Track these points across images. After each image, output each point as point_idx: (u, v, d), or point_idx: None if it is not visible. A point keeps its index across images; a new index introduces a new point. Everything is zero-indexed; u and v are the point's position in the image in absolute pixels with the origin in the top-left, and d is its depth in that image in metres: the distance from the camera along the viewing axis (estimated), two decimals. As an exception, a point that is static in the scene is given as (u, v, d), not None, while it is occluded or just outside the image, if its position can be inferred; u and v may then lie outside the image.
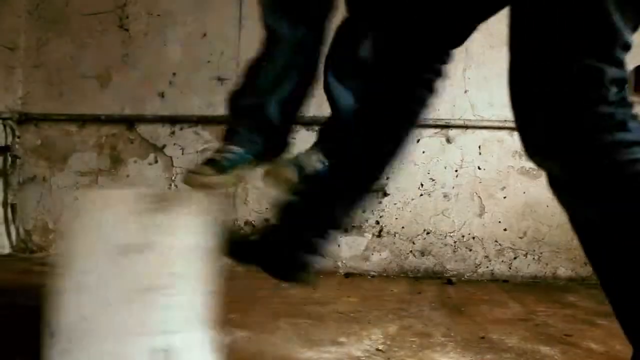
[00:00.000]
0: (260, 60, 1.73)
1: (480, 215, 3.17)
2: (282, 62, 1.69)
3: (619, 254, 1.06)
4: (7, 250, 3.46)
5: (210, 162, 1.58)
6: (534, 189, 3.14)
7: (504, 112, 3.15)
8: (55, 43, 3.55)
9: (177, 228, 1.30)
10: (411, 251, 3.20)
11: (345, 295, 2.57)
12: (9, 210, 3.47)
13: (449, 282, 2.98)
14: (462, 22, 1.30)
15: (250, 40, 3.34)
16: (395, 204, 3.21)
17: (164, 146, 3.41)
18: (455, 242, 3.17)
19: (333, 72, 1.59)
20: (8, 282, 2.63)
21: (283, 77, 1.70)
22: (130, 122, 3.46)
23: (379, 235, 3.21)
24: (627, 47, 1.02)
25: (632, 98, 3.12)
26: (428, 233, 3.19)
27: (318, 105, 3.28)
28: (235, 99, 1.75)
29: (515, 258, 3.14)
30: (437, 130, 3.20)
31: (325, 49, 1.73)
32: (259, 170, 1.76)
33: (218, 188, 1.60)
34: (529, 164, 3.12)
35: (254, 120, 1.70)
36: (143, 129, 3.44)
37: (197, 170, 1.56)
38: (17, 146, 3.50)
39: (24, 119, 3.52)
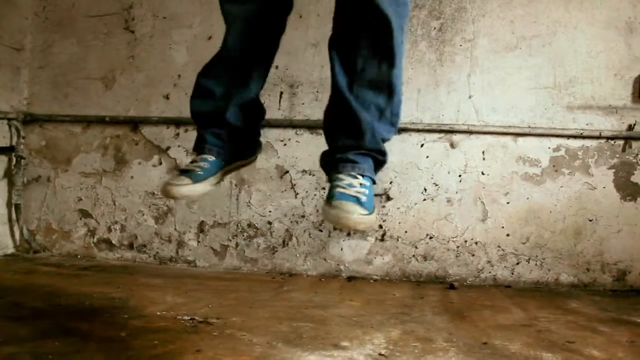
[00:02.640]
0: (212, 62, 1.83)
1: (484, 220, 3.17)
2: (235, 57, 1.78)
3: None
4: (11, 250, 3.47)
5: (185, 173, 1.66)
6: (537, 195, 3.14)
7: (508, 117, 3.18)
8: (61, 44, 3.56)
9: None
10: (414, 255, 3.20)
11: (348, 299, 2.57)
12: (13, 210, 3.48)
13: (452, 286, 2.97)
14: None
15: (255, 43, 3.35)
16: (398, 208, 3.21)
17: (168, 148, 3.42)
18: (458, 247, 3.17)
19: (347, 84, 1.57)
20: (12, 282, 2.65)
21: (237, 76, 1.76)
22: (134, 123, 3.47)
23: (382, 239, 3.22)
24: None
25: (637, 105, 3.14)
26: (431, 238, 3.19)
27: (321, 110, 3.29)
28: (194, 106, 1.80)
29: (517, 264, 3.14)
30: (441, 135, 3.20)
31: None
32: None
33: (195, 196, 1.69)
34: (533, 170, 3.13)
35: (216, 127, 1.75)
36: (147, 131, 3.45)
37: (173, 182, 1.63)
38: (21, 147, 3.51)
39: (29, 120, 3.53)
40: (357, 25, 1.51)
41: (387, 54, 1.51)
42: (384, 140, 1.62)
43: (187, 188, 1.63)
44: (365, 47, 1.52)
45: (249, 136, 1.87)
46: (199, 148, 1.76)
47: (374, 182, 1.59)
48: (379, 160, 1.63)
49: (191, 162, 1.73)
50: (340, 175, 1.54)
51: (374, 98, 1.55)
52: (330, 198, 1.49)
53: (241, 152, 1.85)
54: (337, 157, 1.60)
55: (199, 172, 1.68)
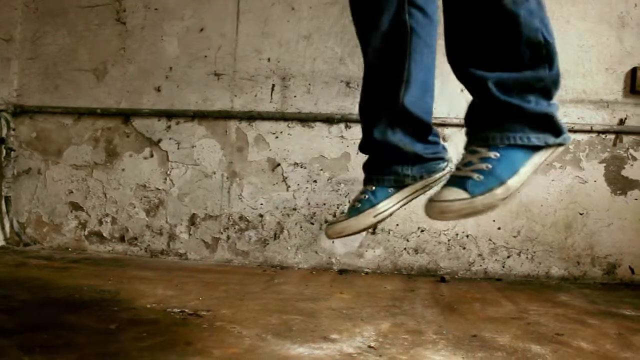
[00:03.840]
0: (364, 93, 1.61)
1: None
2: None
3: None
4: (0, 242, 3.46)
5: (348, 210, 1.56)
6: (528, 189, 3.15)
7: (500, 111, 3.16)
8: (52, 36, 3.54)
9: None
10: (405, 249, 3.20)
11: (338, 291, 2.57)
12: (3, 202, 3.47)
13: (442, 280, 2.98)
14: None
15: (247, 35, 3.35)
16: (390, 201, 3.21)
17: (159, 140, 3.41)
18: (449, 240, 3.18)
19: (457, 46, 1.35)
20: (1, 274, 2.64)
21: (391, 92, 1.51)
22: (126, 115, 3.45)
23: (374, 233, 3.22)
24: None
25: (628, 99, 3.15)
26: (422, 231, 3.20)
27: (313, 103, 3.30)
28: (362, 141, 1.62)
29: (508, 257, 3.15)
30: (433, 128, 3.20)
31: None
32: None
33: (352, 233, 1.55)
34: (524, 164, 3.13)
35: (375, 151, 1.60)
36: (139, 123, 3.44)
37: (334, 220, 1.56)
38: (12, 139, 3.49)
39: (19, 112, 3.51)
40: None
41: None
42: (537, 86, 1.28)
43: (341, 225, 1.52)
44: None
45: (413, 154, 1.58)
46: (364, 180, 1.61)
47: (528, 148, 1.29)
48: (529, 117, 1.28)
49: (356, 198, 1.59)
50: (463, 154, 1.34)
51: (490, 43, 1.28)
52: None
53: (410, 173, 1.58)
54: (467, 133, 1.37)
55: (357, 206, 1.54)
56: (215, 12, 3.38)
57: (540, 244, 3.14)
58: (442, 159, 1.63)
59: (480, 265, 3.16)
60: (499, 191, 1.24)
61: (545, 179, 3.14)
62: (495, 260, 3.15)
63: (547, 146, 1.28)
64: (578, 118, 3.13)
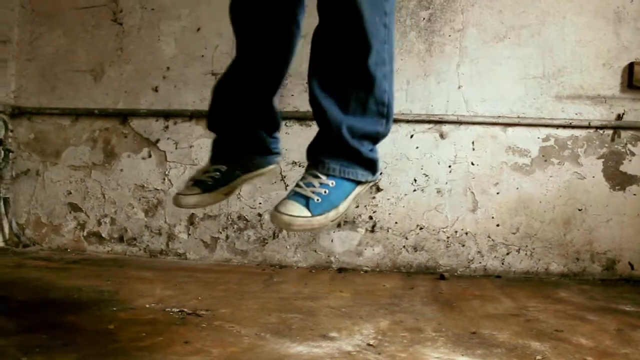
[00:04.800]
0: (226, 74, 1.76)
1: (474, 210, 3.17)
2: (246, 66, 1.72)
3: None
4: (0, 244, 3.45)
5: (196, 183, 1.68)
6: (527, 185, 3.15)
7: (497, 107, 3.18)
8: (49, 37, 3.54)
9: None
10: (404, 246, 3.20)
11: (338, 290, 2.57)
12: (2, 204, 3.46)
13: (442, 277, 2.98)
14: None
15: (244, 34, 3.33)
16: (388, 199, 3.21)
17: (157, 140, 3.41)
18: (448, 237, 3.18)
19: (317, 81, 1.51)
20: (1, 275, 2.63)
21: (248, 85, 1.70)
22: (123, 116, 3.45)
23: (372, 231, 3.22)
24: None
25: (626, 94, 3.16)
26: (421, 228, 3.20)
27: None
28: (209, 117, 1.79)
29: (507, 254, 3.15)
30: (431, 125, 3.20)
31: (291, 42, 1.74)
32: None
33: (205, 205, 1.71)
34: (523, 160, 3.14)
35: (228, 137, 1.75)
36: (137, 123, 3.44)
37: (185, 192, 1.65)
38: (10, 140, 3.49)
39: (17, 113, 3.51)
40: (327, 14, 1.53)
41: (359, 41, 1.43)
42: (373, 136, 1.52)
43: (196, 198, 1.65)
44: (334, 36, 1.50)
45: (264, 145, 1.81)
46: (212, 158, 1.76)
47: (354, 182, 1.52)
48: (361, 159, 1.52)
49: (204, 173, 1.72)
50: (304, 174, 1.52)
51: (348, 91, 1.47)
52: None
53: (257, 161, 1.81)
54: (309, 157, 1.57)
55: (209, 182, 1.68)
56: (212, 12, 3.38)
57: (539, 240, 3.14)
58: (279, 154, 1.88)
59: (480, 263, 3.16)
60: (332, 214, 1.47)
61: (544, 175, 3.14)
62: (495, 257, 3.15)
63: (367, 182, 1.57)
64: (576, 114, 3.13)
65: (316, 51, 1.55)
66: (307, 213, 1.42)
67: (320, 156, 1.51)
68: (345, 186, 1.51)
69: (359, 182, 1.54)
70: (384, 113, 1.51)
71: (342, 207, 1.50)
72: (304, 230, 1.47)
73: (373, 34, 1.42)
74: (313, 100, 1.50)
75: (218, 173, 1.70)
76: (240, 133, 1.73)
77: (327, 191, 1.47)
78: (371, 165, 1.55)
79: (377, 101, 1.48)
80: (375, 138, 1.53)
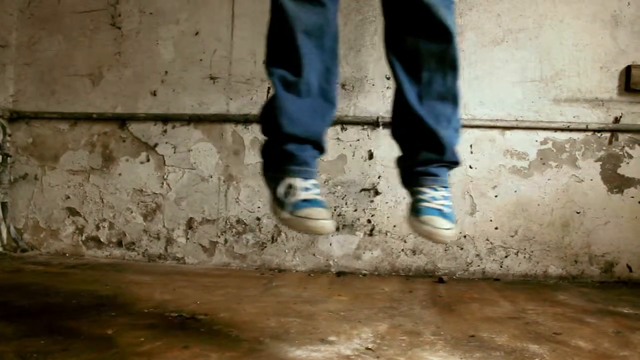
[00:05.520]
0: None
1: (472, 214, 3.18)
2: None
3: None
4: (-2, 249, 3.46)
5: (315, 203, 1.51)
6: (525, 188, 3.15)
7: (495, 111, 3.18)
8: (47, 41, 3.54)
9: None
10: (403, 250, 3.20)
11: (336, 294, 2.57)
12: (0, 209, 3.46)
13: (440, 280, 2.98)
14: None
15: (242, 38, 3.35)
16: (387, 202, 3.22)
17: (155, 145, 3.41)
18: (446, 240, 3.18)
19: (416, 95, 1.57)
20: (-1, 281, 2.63)
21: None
22: (122, 120, 3.45)
23: (371, 234, 3.22)
24: None
25: (623, 97, 3.17)
26: (420, 232, 3.19)
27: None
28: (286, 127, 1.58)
29: (506, 257, 3.15)
30: (429, 129, 3.20)
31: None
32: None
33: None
34: (521, 163, 3.14)
35: (315, 148, 1.62)
36: (135, 128, 3.44)
37: (314, 216, 1.48)
38: (8, 144, 3.49)
39: (16, 117, 3.51)
40: (417, 34, 1.54)
41: (453, 64, 1.55)
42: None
43: (331, 221, 1.51)
44: (431, 58, 1.54)
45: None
46: (306, 172, 1.57)
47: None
48: (453, 168, 1.66)
49: (305, 190, 1.53)
50: (423, 189, 1.58)
51: (443, 109, 1.58)
52: (417, 212, 1.56)
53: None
54: (417, 170, 1.62)
55: (320, 199, 1.54)
56: (210, 16, 3.39)
57: (537, 243, 3.14)
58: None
59: (478, 266, 3.16)
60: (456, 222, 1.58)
61: (542, 178, 3.14)
62: (493, 260, 3.16)
63: None
64: (573, 117, 3.14)
65: (406, 69, 1.59)
66: (451, 225, 1.53)
67: (432, 169, 1.60)
68: (450, 197, 1.62)
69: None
70: (459, 128, 1.66)
71: None
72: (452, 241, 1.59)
73: (458, 53, 1.55)
74: (416, 118, 1.57)
75: (318, 189, 1.58)
76: (318, 140, 1.63)
77: (449, 203, 1.58)
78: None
79: (457, 119, 1.64)
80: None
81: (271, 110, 1.58)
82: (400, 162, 1.71)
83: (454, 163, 1.63)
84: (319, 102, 1.58)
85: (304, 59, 1.53)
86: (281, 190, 1.54)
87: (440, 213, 1.52)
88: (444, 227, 1.50)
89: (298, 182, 1.53)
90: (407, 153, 1.67)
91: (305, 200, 1.50)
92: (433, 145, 1.58)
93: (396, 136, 1.71)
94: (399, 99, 1.61)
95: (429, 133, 1.57)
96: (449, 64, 1.54)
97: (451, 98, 1.58)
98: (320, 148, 1.63)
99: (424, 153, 1.60)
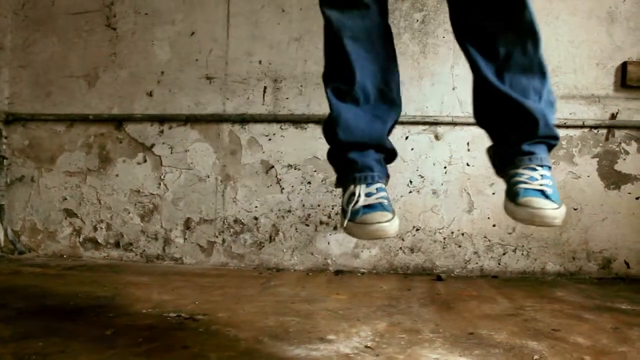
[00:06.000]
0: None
1: (470, 211, 3.18)
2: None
3: None
4: (-5, 251, 3.45)
5: (375, 208, 1.47)
6: (522, 185, 3.15)
7: (492, 108, 3.17)
8: (42, 43, 3.53)
9: None
10: (401, 248, 3.20)
11: (335, 292, 2.57)
12: (-3, 211, 3.46)
13: (439, 278, 2.99)
14: None
15: (238, 38, 3.34)
16: (384, 201, 3.21)
17: (152, 145, 3.40)
18: (444, 238, 3.18)
19: (494, 70, 1.48)
20: (-4, 283, 2.63)
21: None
22: (118, 121, 3.44)
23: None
24: None
25: (619, 93, 3.17)
26: (417, 230, 3.20)
27: (306, 105, 3.30)
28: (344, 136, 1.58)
29: (504, 254, 3.15)
30: (426, 127, 3.21)
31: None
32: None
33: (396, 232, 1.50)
34: (517, 160, 3.14)
35: (378, 152, 1.60)
36: (132, 128, 3.43)
37: (370, 220, 1.44)
38: (4, 147, 3.48)
39: (11, 119, 3.50)
40: (484, 5, 1.44)
41: (530, 31, 1.43)
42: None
43: (396, 223, 1.46)
44: (506, 28, 1.43)
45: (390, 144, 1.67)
46: (368, 177, 1.54)
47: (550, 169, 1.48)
48: (552, 145, 1.51)
49: (367, 195, 1.48)
50: (519, 170, 1.46)
51: (529, 82, 1.46)
52: (514, 196, 1.42)
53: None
54: (510, 152, 1.50)
55: (386, 204, 1.49)
56: (206, 16, 3.38)
57: (535, 240, 3.14)
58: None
59: (476, 263, 3.16)
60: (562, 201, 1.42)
61: (539, 175, 3.14)
62: (491, 257, 3.16)
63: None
64: (570, 113, 3.14)
65: (481, 49, 1.49)
66: (555, 205, 1.37)
67: (526, 148, 1.47)
68: (552, 176, 1.47)
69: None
70: (554, 101, 1.53)
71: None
72: (561, 223, 1.40)
73: (536, 18, 1.41)
74: (500, 96, 1.46)
75: (385, 192, 1.53)
76: (386, 146, 1.62)
77: (551, 182, 1.43)
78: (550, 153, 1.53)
79: (549, 90, 1.49)
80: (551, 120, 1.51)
81: (329, 123, 1.56)
82: (492, 151, 1.61)
83: (551, 138, 1.49)
84: (378, 106, 1.55)
85: (355, 65, 1.50)
86: (345, 199, 1.52)
87: (542, 194, 1.39)
88: (547, 208, 1.36)
89: (360, 189, 1.49)
90: (498, 137, 1.57)
91: (366, 206, 1.46)
92: (523, 120, 1.46)
93: (483, 124, 1.61)
94: (478, 81, 1.52)
95: (516, 107, 1.45)
96: (526, 32, 1.43)
97: (537, 69, 1.46)
98: (384, 150, 1.59)
99: (514, 132, 1.48)
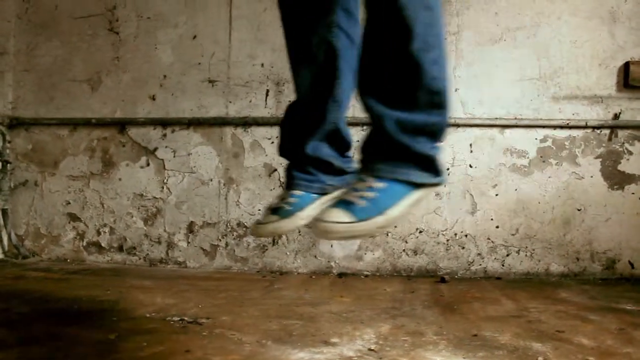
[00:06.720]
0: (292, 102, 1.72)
1: (473, 213, 3.17)
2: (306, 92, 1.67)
3: None
4: (-1, 255, 3.45)
5: (274, 211, 1.58)
6: (525, 186, 3.15)
7: (494, 110, 3.18)
8: (45, 47, 3.54)
9: None
10: (404, 250, 3.20)
11: (338, 295, 2.57)
12: (1, 215, 3.46)
13: (442, 280, 2.98)
14: None
15: (240, 41, 3.35)
16: (387, 203, 3.21)
17: (155, 149, 3.41)
18: (448, 240, 3.18)
19: (362, 80, 1.43)
20: (0, 287, 2.63)
21: (312, 109, 1.64)
22: (121, 125, 3.45)
23: (372, 235, 3.21)
24: None
25: (622, 93, 3.17)
26: (421, 232, 3.20)
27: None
28: (280, 144, 1.74)
29: (507, 255, 3.15)
30: (428, 128, 3.20)
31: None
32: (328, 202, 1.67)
33: (286, 232, 1.63)
34: (521, 161, 3.14)
35: (300, 162, 1.67)
36: (134, 132, 3.44)
37: (263, 221, 1.58)
38: (8, 151, 3.49)
39: (15, 124, 3.51)
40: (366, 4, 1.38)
41: (398, 27, 1.29)
42: (428, 129, 1.35)
43: (274, 225, 1.56)
44: (374, 27, 1.35)
45: (337, 166, 1.68)
46: (287, 184, 1.68)
47: (409, 184, 1.34)
48: (414, 157, 1.35)
49: (281, 199, 1.62)
50: (352, 180, 1.43)
51: (393, 83, 1.35)
52: None
53: (332, 182, 1.68)
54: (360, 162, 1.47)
55: (287, 208, 1.59)
56: (208, 20, 3.39)
57: (539, 241, 3.14)
58: (353, 172, 1.71)
59: (480, 265, 3.16)
60: (380, 220, 1.30)
61: (542, 176, 3.14)
62: (495, 259, 3.15)
63: (426, 184, 1.36)
64: (573, 114, 3.14)
65: (361, 49, 1.42)
66: (349, 218, 1.28)
67: (369, 157, 1.40)
68: (397, 189, 1.33)
69: (415, 185, 1.34)
70: (437, 102, 1.33)
71: (394, 212, 1.32)
72: (346, 238, 1.33)
73: (413, 18, 1.28)
74: (361, 100, 1.40)
75: (295, 198, 1.61)
76: (310, 156, 1.65)
77: (375, 194, 1.31)
78: (429, 165, 1.36)
79: (427, 90, 1.32)
80: (432, 132, 1.35)
81: None
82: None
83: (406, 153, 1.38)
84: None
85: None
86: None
87: (346, 206, 1.33)
88: (331, 220, 1.30)
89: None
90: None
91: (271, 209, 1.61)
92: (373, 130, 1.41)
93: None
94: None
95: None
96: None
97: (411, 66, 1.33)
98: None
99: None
